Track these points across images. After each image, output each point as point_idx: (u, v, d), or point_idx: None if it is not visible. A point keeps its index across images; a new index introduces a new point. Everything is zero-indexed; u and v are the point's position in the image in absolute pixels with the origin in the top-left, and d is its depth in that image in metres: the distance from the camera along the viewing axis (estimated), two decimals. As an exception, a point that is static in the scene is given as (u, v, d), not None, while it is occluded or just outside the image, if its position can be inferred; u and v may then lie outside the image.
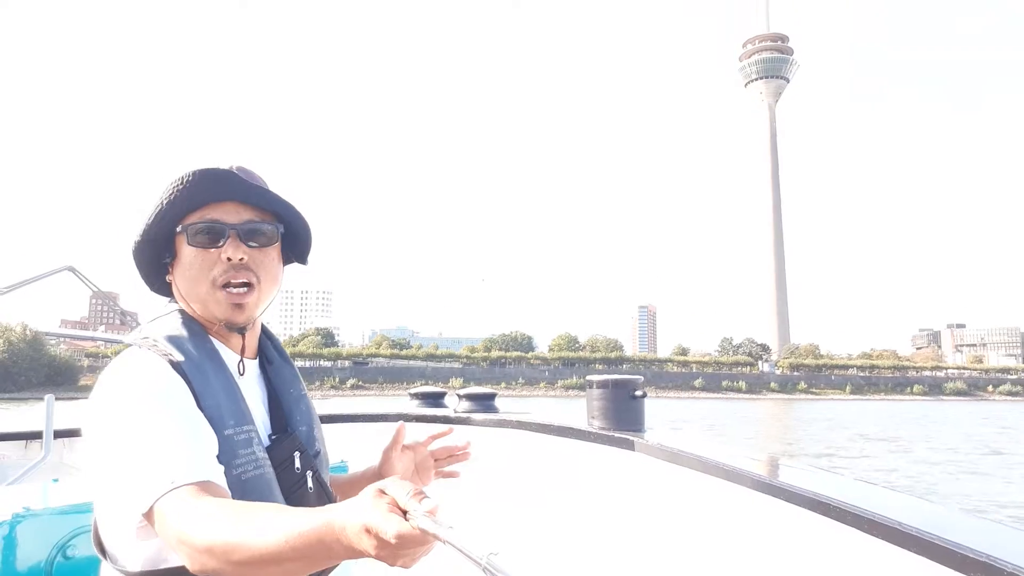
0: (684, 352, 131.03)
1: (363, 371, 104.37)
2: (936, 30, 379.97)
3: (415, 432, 1.34)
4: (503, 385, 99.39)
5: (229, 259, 1.09)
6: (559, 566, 2.50)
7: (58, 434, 2.67)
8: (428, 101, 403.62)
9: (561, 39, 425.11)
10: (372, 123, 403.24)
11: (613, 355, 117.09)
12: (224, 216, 1.11)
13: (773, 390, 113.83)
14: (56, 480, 1.88)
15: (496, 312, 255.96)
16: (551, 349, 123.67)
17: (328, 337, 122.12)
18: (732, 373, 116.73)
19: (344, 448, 1.75)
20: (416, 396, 3.53)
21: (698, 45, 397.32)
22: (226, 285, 1.10)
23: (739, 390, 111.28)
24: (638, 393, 2.57)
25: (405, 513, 0.70)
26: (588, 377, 2.70)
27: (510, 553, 0.61)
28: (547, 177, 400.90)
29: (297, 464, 1.14)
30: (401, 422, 1.34)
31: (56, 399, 2.71)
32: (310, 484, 1.15)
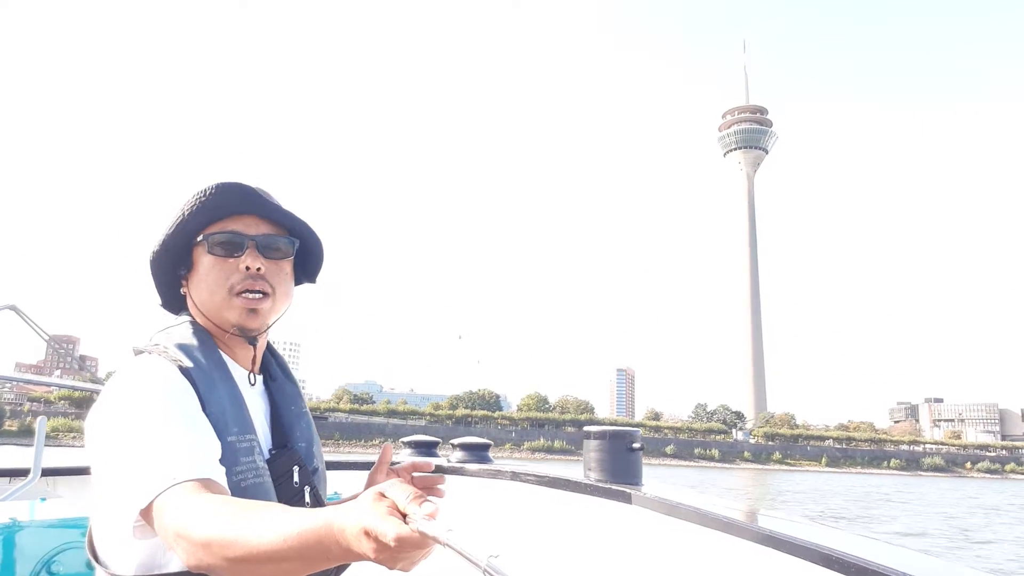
0: (657, 417, 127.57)
1: (320, 426, 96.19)
2: (920, 94, 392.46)
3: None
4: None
5: (247, 268, 1.13)
6: None
7: (46, 472, 2.62)
8: (412, 158, 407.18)
9: (540, 105, 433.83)
10: (352, 174, 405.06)
11: (583, 417, 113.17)
12: (244, 228, 1.15)
13: (747, 459, 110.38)
14: (44, 500, 1.87)
15: (471, 370, 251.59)
16: (519, 409, 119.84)
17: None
18: (705, 440, 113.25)
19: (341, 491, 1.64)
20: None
21: (677, 115, 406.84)
22: (242, 293, 1.13)
23: (712, 458, 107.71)
24: (635, 446, 2.55)
25: (404, 516, 0.70)
26: (585, 428, 2.66)
27: (510, 556, 0.61)
28: (529, 238, 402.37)
29: (295, 479, 1.15)
30: (387, 443, 1.35)
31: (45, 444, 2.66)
32: (307, 499, 1.16)
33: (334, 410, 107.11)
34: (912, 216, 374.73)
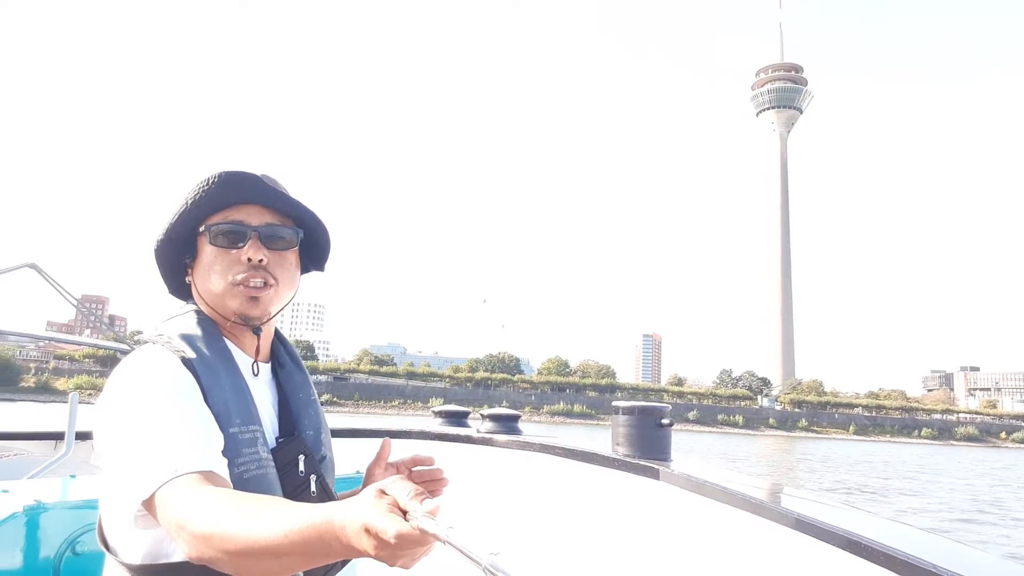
0: (680, 382, 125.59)
1: (341, 387, 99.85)
2: (957, 67, 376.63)
3: (434, 452, 1.35)
4: (485, 407, 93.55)
5: (249, 260, 1.12)
6: None
7: (81, 436, 2.69)
8: (434, 121, 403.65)
9: (571, 66, 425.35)
10: (376, 140, 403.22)
11: (604, 382, 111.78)
12: (246, 218, 1.14)
13: (772, 426, 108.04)
14: (74, 476, 1.88)
15: (496, 335, 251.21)
16: (539, 373, 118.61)
17: (308, 350, 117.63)
18: (730, 407, 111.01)
19: (362, 461, 1.77)
20: (439, 414, 3.47)
21: (709, 73, 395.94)
22: (242, 284, 1.13)
23: (735, 424, 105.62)
24: (664, 421, 2.56)
25: (405, 513, 0.70)
26: (614, 403, 2.66)
27: (510, 554, 0.61)
28: (556, 203, 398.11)
29: (301, 467, 1.15)
30: (386, 438, 1.34)
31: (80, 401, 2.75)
32: (313, 488, 1.16)
33: (355, 371, 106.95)
34: (950, 179, 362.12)
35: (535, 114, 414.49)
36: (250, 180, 1.14)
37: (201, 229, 1.15)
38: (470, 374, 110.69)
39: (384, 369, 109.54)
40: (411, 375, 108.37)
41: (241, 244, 1.13)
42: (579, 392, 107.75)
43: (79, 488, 1.70)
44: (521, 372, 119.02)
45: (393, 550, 0.69)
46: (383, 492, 0.73)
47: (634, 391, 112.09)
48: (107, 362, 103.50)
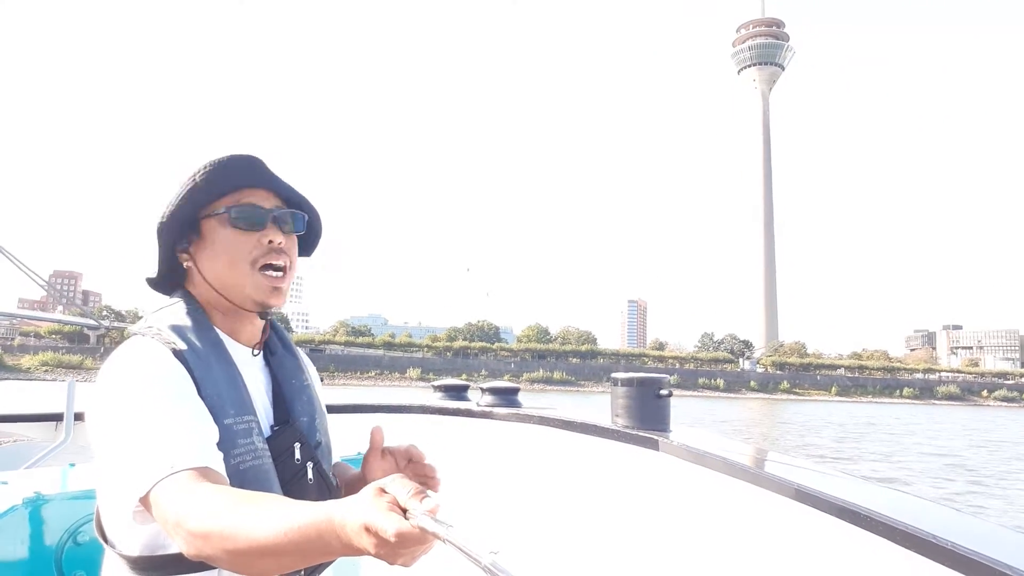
0: (661, 347, 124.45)
1: (315, 358, 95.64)
2: (941, 16, 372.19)
3: (434, 426, 1.24)
4: (464, 376, 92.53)
5: (270, 242, 1.12)
6: (580, 564, 2.52)
7: (80, 417, 2.69)
8: (416, 88, 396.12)
9: (551, 29, 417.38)
10: (359, 108, 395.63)
11: (584, 348, 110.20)
12: (261, 201, 1.13)
13: (753, 389, 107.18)
14: (73, 465, 1.88)
15: (480, 303, 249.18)
16: (519, 340, 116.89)
17: (285, 322, 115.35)
18: (711, 371, 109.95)
19: (364, 439, 1.77)
20: (439, 388, 3.49)
21: (689, 32, 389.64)
22: (264, 267, 1.11)
23: (716, 388, 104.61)
24: (663, 392, 2.57)
25: (405, 512, 0.69)
26: (613, 375, 2.69)
27: (511, 552, 0.62)
28: (537, 169, 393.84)
29: (297, 455, 1.13)
30: (376, 426, 1.25)
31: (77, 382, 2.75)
32: (310, 475, 1.14)
33: (330, 342, 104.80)
34: (933, 137, 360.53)
35: (518, 82, 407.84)
36: (259, 164, 1.12)
37: (219, 211, 1.11)
38: (449, 343, 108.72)
39: (360, 340, 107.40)
40: (389, 345, 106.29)
41: (261, 227, 1.12)
42: (560, 359, 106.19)
43: (79, 478, 1.68)
44: (501, 340, 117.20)
45: (393, 549, 0.69)
46: (383, 490, 0.72)
47: (615, 357, 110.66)
48: (74, 338, 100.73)
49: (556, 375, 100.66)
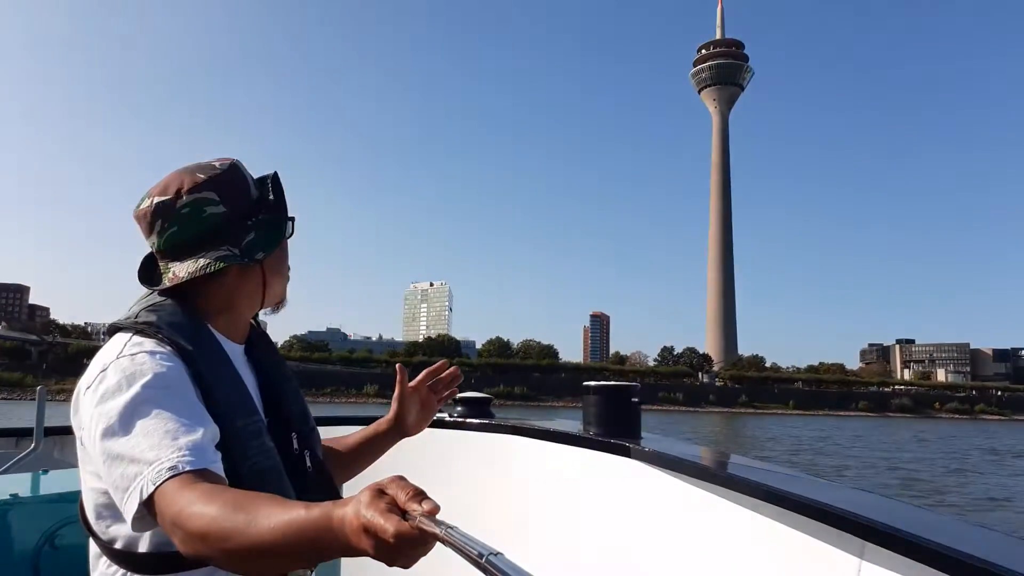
0: (621, 361, 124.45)
1: None
2: (894, 42, 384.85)
3: (408, 439, 1.42)
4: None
5: None
6: (554, 570, 2.55)
7: (50, 431, 2.68)
8: (380, 95, 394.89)
9: (515, 47, 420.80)
10: (318, 116, 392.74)
11: (546, 362, 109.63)
12: None
13: (712, 403, 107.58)
14: (46, 472, 1.88)
15: (442, 318, 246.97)
16: (480, 355, 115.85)
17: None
18: (671, 384, 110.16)
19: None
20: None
21: (649, 52, 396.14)
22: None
23: (676, 402, 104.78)
24: (634, 400, 2.62)
25: (405, 513, 0.69)
26: (584, 384, 2.74)
27: (510, 553, 0.62)
28: (499, 182, 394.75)
29: (295, 445, 1.16)
30: (399, 364, 1.38)
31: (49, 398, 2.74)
32: (308, 463, 1.16)
33: (285, 358, 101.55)
34: (889, 154, 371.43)
35: (480, 95, 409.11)
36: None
37: (290, 224, 1.20)
38: (408, 358, 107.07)
39: (316, 355, 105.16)
40: (346, 361, 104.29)
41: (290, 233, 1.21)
42: (521, 374, 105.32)
43: (53, 482, 1.67)
44: (462, 355, 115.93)
45: (392, 550, 0.69)
46: (382, 491, 0.72)
47: (575, 371, 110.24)
48: (14, 354, 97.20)
49: (517, 390, 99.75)
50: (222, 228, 1.12)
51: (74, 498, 1.22)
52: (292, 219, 1.20)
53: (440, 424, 3.16)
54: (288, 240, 1.21)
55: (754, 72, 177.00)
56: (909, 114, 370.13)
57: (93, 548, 1.06)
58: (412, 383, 1.40)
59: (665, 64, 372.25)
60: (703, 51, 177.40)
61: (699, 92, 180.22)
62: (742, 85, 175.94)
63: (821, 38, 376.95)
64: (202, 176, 1.12)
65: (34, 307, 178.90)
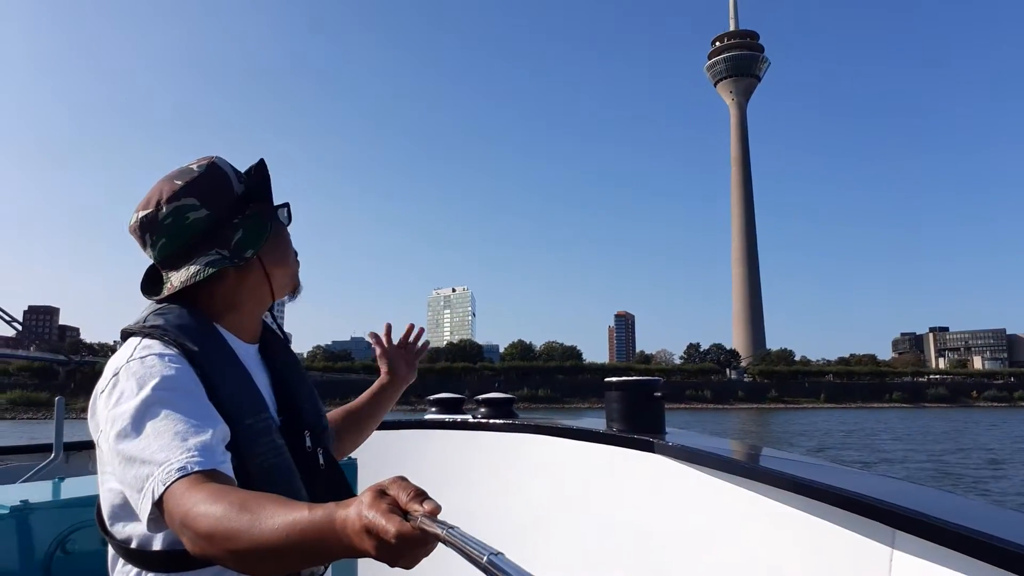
0: (647, 360, 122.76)
1: None
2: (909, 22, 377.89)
3: (430, 441, 1.45)
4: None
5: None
6: (580, 567, 2.57)
7: (71, 446, 2.75)
8: (397, 101, 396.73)
9: (529, 42, 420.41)
10: (338, 122, 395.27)
11: (569, 364, 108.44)
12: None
13: (741, 399, 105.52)
14: (63, 479, 1.91)
15: (466, 322, 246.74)
16: (503, 359, 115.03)
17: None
18: (698, 382, 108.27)
19: (358, 453, 1.86)
20: (433, 403, 3.56)
21: (665, 46, 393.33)
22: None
23: (704, 399, 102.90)
24: (657, 395, 2.62)
25: (406, 513, 0.70)
26: (606, 380, 2.74)
27: (511, 553, 0.62)
28: (521, 185, 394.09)
29: (308, 443, 1.16)
30: (371, 332, 1.50)
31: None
32: (321, 461, 1.17)
33: (308, 369, 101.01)
34: (916, 138, 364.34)
35: (501, 96, 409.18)
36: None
37: (283, 211, 1.20)
38: (431, 364, 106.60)
39: (338, 365, 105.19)
40: (368, 369, 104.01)
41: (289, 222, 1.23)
42: (545, 376, 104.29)
43: (68, 489, 1.70)
44: (484, 359, 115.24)
45: (394, 550, 0.69)
46: (383, 492, 0.73)
47: (599, 371, 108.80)
48: (43, 375, 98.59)
49: (541, 392, 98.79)
50: (209, 231, 1.12)
51: (87, 503, 1.21)
52: (285, 205, 1.19)
53: (463, 425, 3.15)
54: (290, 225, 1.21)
55: (770, 62, 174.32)
56: (938, 99, 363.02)
57: (111, 550, 1.08)
58: (389, 343, 1.52)
59: (680, 60, 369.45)
60: (717, 43, 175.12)
61: (715, 85, 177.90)
62: (759, 76, 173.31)
63: (837, 24, 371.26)
64: (180, 183, 1.11)
65: (64, 328, 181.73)
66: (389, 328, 1.52)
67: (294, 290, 1.23)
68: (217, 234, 1.12)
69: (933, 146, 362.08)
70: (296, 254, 1.23)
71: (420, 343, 1.57)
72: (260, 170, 1.16)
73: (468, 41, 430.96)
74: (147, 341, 1.05)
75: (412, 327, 1.56)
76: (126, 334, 1.09)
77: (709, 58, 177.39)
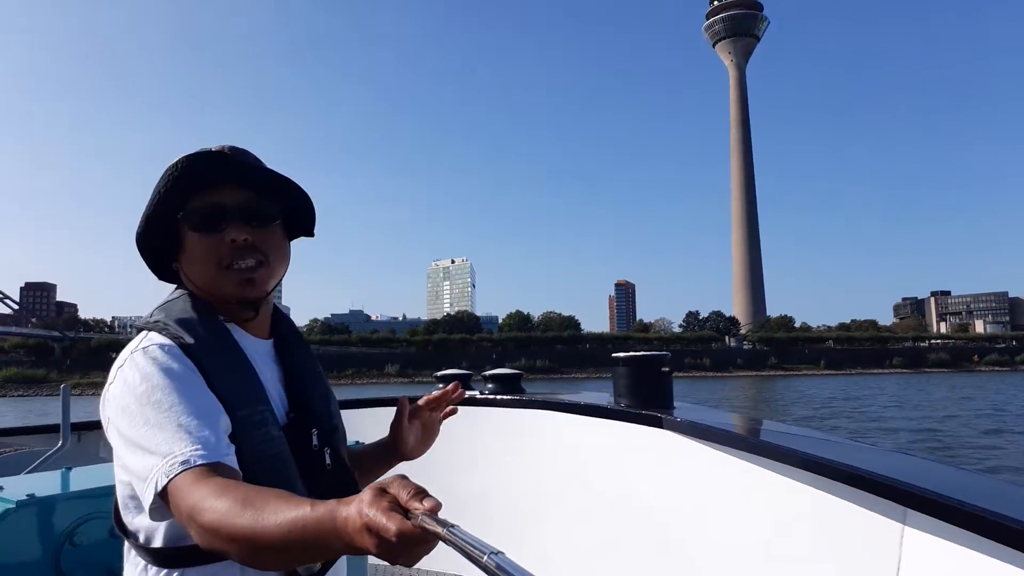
0: (645, 328, 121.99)
1: None
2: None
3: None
4: (444, 369, 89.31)
5: (233, 241, 1.09)
6: (589, 542, 2.59)
7: (76, 426, 2.76)
8: (400, 79, 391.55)
9: (528, 11, 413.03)
10: (337, 98, 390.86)
11: (567, 334, 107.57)
12: (224, 199, 1.10)
13: (741, 367, 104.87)
14: (70, 469, 1.91)
15: (466, 293, 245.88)
16: (500, 329, 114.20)
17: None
18: (697, 350, 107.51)
19: (364, 432, 1.85)
20: (442, 379, 3.55)
21: (662, 7, 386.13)
22: (231, 266, 1.10)
23: (704, 367, 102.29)
24: (665, 370, 2.62)
25: (407, 512, 0.70)
26: (613, 355, 2.73)
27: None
28: (519, 156, 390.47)
29: (315, 441, 1.15)
30: (402, 397, 1.37)
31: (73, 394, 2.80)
32: (328, 461, 1.16)
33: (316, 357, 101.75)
34: (915, 100, 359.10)
35: (497, 67, 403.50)
36: (220, 158, 1.10)
37: (180, 216, 1.11)
38: (428, 336, 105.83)
39: (335, 338, 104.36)
40: (365, 342, 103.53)
41: (223, 226, 1.09)
42: (543, 347, 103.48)
43: (76, 480, 1.70)
44: (483, 330, 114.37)
45: (395, 548, 0.70)
46: (384, 491, 0.73)
47: (599, 340, 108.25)
48: (38, 351, 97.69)
49: (539, 363, 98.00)
50: (151, 235, 1.15)
51: (95, 495, 1.23)
52: (180, 198, 1.10)
53: (472, 402, 3.13)
54: (208, 226, 1.10)
55: (769, 21, 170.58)
56: (942, 63, 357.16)
57: (125, 546, 1.08)
58: (415, 409, 1.36)
59: (676, 24, 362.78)
60: (715, 2, 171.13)
61: (714, 46, 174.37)
62: (758, 36, 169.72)
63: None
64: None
65: (62, 304, 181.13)
66: (405, 406, 1.35)
67: (242, 300, 1.12)
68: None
69: (933, 106, 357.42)
70: (227, 264, 1.09)
71: (452, 403, 1.40)
72: (184, 163, 1.09)
73: (467, 12, 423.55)
74: (151, 335, 1.06)
75: (449, 393, 1.37)
76: (138, 330, 1.11)
77: (707, 18, 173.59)
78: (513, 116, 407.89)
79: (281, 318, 1.25)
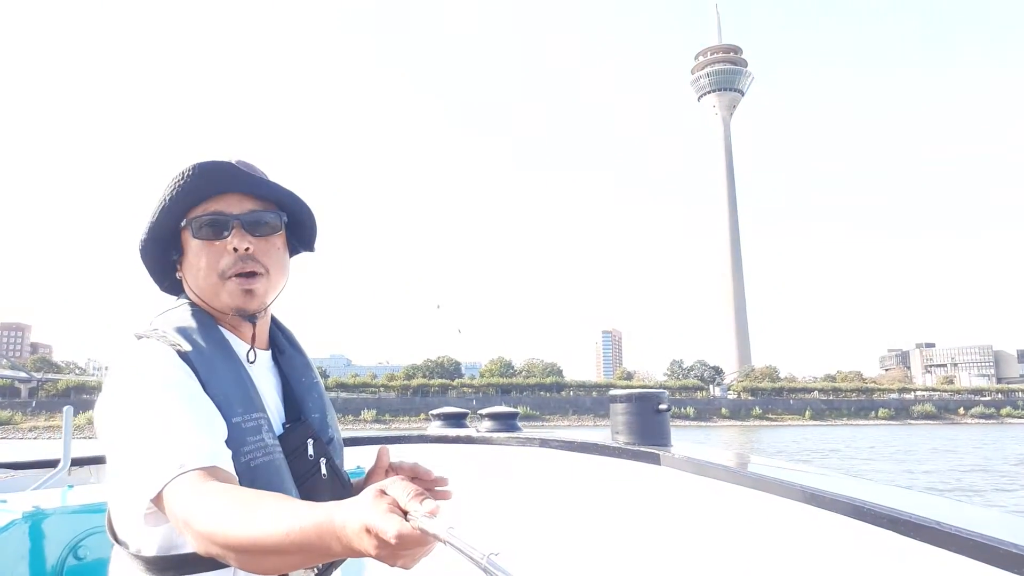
0: (629, 376, 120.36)
1: None
2: (902, 43, 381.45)
3: (434, 456, 1.41)
4: (422, 416, 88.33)
5: (235, 249, 1.10)
6: None
7: (76, 462, 2.80)
8: (382, 122, 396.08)
9: (513, 56, 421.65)
10: (325, 140, 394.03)
11: (549, 380, 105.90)
12: (227, 208, 1.12)
13: (724, 416, 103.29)
14: (71, 487, 1.93)
15: (451, 340, 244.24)
16: (482, 375, 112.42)
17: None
18: (680, 399, 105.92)
19: (360, 463, 1.89)
20: (438, 417, 3.54)
21: (647, 61, 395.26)
22: (232, 275, 1.11)
23: (687, 416, 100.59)
24: (662, 407, 2.63)
25: (406, 514, 0.70)
26: (611, 392, 2.75)
27: (510, 553, 0.62)
28: (505, 201, 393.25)
29: (310, 451, 1.14)
30: (383, 446, 1.32)
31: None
32: (323, 471, 1.16)
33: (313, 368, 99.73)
34: (899, 153, 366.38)
35: (484, 113, 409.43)
36: (226, 168, 1.11)
37: (183, 224, 1.13)
38: (407, 381, 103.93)
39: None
40: (342, 386, 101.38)
41: (225, 234, 1.10)
42: (525, 393, 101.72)
43: (78, 496, 1.72)
44: (463, 376, 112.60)
45: (394, 550, 0.70)
46: (383, 492, 0.73)
47: (581, 388, 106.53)
48: (5, 392, 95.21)
49: (521, 409, 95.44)
50: (155, 243, 1.17)
51: (98, 510, 1.23)
52: (184, 207, 1.13)
53: (467, 440, 3.12)
54: (207, 231, 1.12)
55: (754, 77, 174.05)
56: (921, 110, 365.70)
57: (114, 552, 1.07)
58: (397, 466, 1.24)
59: (669, 71, 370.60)
60: (700, 57, 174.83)
61: (699, 99, 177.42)
62: (742, 91, 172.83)
63: (821, 36, 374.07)
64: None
65: (36, 345, 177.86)
66: (388, 453, 1.26)
67: (241, 311, 1.13)
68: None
69: (920, 158, 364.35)
70: (232, 273, 1.11)
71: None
72: (191, 171, 1.11)
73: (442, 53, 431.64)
74: (145, 342, 1.06)
75: (429, 475, 1.22)
76: (136, 336, 1.11)
77: (692, 72, 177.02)
78: (495, 153, 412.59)
79: (280, 329, 1.25)
